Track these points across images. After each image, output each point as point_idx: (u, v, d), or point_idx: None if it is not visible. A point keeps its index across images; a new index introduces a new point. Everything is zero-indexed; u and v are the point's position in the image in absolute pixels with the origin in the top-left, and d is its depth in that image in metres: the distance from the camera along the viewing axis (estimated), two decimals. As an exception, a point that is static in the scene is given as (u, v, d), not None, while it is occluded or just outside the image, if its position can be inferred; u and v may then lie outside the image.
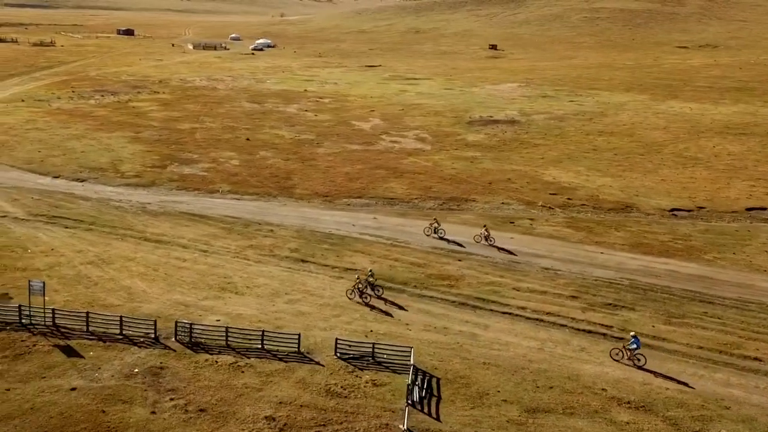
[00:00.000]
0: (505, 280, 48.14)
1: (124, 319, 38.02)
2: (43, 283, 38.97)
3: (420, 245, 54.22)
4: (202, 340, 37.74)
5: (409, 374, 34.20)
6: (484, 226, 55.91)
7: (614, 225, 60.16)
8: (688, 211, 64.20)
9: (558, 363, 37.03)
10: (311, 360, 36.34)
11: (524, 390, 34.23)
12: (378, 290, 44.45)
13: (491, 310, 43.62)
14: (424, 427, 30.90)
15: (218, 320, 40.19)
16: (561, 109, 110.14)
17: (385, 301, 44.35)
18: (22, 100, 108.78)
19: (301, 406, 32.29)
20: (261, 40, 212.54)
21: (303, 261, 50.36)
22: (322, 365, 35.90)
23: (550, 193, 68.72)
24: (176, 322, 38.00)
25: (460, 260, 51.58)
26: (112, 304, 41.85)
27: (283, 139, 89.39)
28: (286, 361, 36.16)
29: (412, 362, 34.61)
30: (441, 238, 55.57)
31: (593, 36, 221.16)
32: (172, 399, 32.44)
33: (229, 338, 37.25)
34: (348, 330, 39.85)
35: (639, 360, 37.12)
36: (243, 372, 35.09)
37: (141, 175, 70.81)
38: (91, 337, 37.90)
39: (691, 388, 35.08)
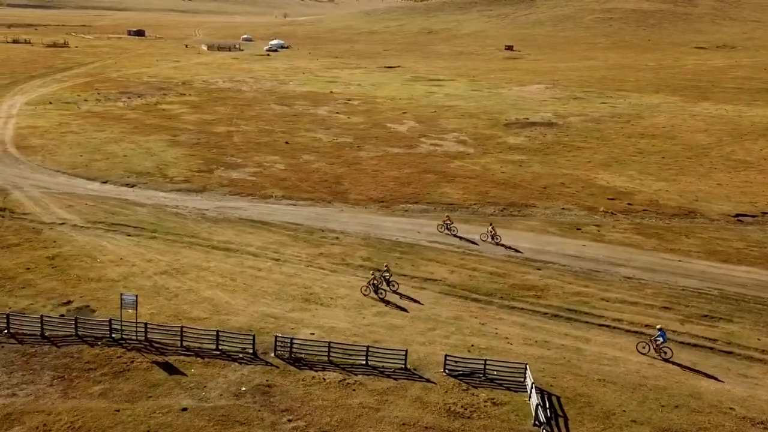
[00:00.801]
0: (591, 290, 46.74)
1: (220, 333, 36.38)
2: (136, 296, 37.53)
3: (493, 254, 52.95)
4: (302, 356, 36.13)
5: (527, 392, 32.86)
6: (491, 224, 56.27)
7: (683, 231, 58.85)
8: (753, 216, 62.88)
9: (674, 379, 35.73)
10: (420, 377, 34.94)
11: (650, 409, 32.87)
12: (393, 285, 44.71)
13: (586, 322, 42.25)
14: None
15: (312, 334, 38.81)
16: (595, 111, 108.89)
17: (401, 295, 44.55)
18: (50, 103, 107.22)
19: (426, 428, 30.97)
20: (274, 41, 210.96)
21: (378, 270, 48.71)
22: (434, 383, 34.50)
23: (608, 198, 67.36)
24: (276, 337, 36.60)
25: (539, 269, 50.25)
26: (198, 317, 40.39)
27: (322, 143, 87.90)
28: (395, 379, 34.77)
29: (531, 380, 33.16)
30: (454, 235, 55.99)
31: (608, 37, 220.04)
32: (289, 420, 31.04)
33: (332, 353, 35.66)
34: (447, 344, 38.50)
35: (665, 353, 37.75)
36: (354, 390, 33.70)
37: (190, 180, 69.28)
38: (187, 352, 36.48)
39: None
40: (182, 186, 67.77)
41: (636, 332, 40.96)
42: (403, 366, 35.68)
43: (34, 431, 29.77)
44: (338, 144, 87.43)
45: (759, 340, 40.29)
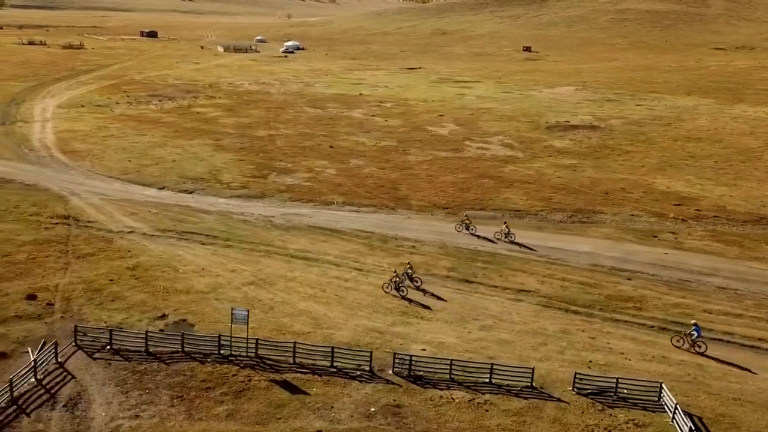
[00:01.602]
0: (689, 301, 45.54)
1: (336, 350, 35.08)
2: (247, 311, 36.07)
3: (577, 263, 51.62)
4: (422, 373, 34.73)
5: (665, 412, 31.74)
6: (505, 222, 57.05)
7: (761, 239, 57.64)
8: (827, 222, 61.51)
9: (809, 397, 34.23)
10: (550, 396, 33.61)
11: (798, 430, 31.41)
12: (416, 282, 45.07)
13: (697, 335, 40.65)
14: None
15: (423, 350, 37.49)
16: (633, 114, 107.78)
17: (424, 292, 44.70)
18: (82, 106, 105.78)
19: (575, 451, 29.35)
20: (290, 43, 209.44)
21: (468, 282, 47.63)
22: (566, 402, 33.16)
23: (675, 204, 66.23)
24: (394, 354, 35.31)
25: (629, 279, 48.95)
26: (301, 330, 39.08)
27: (366, 146, 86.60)
28: (524, 398, 33.41)
29: (673, 400, 31.75)
30: (472, 234, 56.46)
31: (624, 37, 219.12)
32: (432, 444, 29.47)
33: (453, 371, 34.35)
34: (564, 360, 37.20)
35: (700, 347, 38.55)
36: (488, 411, 32.43)
37: (247, 186, 67.93)
38: (302, 370, 34.98)
39: None
40: (241, 192, 66.36)
41: (753, 347, 39.66)
42: (530, 384, 34.19)
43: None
44: (383, 148, 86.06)
45: None
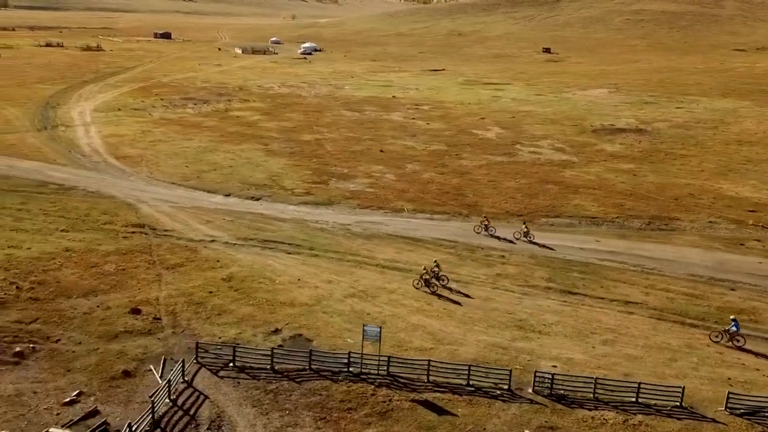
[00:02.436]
0: (802, 312, 44.00)
1: (472, 368, 33.77)
2: (380, 328, 34.63)
3: (673, 272, 50.34)
4: (563, 392, 33.37)
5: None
6: (524, 222, 57.78)
7: None
8: None
9: None
10: (703, 416, 32.25)
11: None
12: (443, 280, 46.01)
13: (825, 349, 39.40)
14: None
15: (554, 366, 36.08)
16: (676, 117, 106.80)
17: (451, 290, 45.67)
18: (119, 109, 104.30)
19: (753, 477, 28.00)
20: (307, 44, 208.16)
21: (570, 293, 46.29)
22: (722, 423, 31.87)
23: (749, 210, 65.34)
24: (535, 372, 33.98)
25: (733, 289, 47.66)
26: (423, 347, 37.76)
27: (416, 151, 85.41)
28: (677, 418, 31.98)
29: None
30: (491, 236, 56.83)
31: (643, 39, 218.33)
32: (602, 469, 28.10)
33: (597, 390, 33.07)
34: (701, 377, 36.06)
35: (738, 341, 39.28)
36: (645, 433, 30.78)
37: (312, 193, 66.64)
38: (439, 389, 33.71)
39: None
40: (307, 199, 65.04)
41: None
42: (679, 404, 32.82)
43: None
44: (434, 152, 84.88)
45: None
